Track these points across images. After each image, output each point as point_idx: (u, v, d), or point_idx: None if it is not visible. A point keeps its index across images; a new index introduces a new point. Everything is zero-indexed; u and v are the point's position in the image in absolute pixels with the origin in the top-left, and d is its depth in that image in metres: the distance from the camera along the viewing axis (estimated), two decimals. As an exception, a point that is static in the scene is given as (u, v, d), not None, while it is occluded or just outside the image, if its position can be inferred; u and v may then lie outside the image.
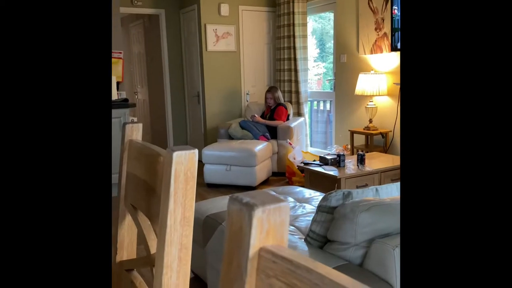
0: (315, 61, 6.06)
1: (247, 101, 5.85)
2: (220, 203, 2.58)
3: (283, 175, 4.89)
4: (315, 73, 6.09)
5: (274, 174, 4.94)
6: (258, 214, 0.37)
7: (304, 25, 5.48)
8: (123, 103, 4.41)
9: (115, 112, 4.35)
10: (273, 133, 4.97)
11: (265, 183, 4.71)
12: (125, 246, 1.07)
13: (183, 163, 0.69)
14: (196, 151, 0.71)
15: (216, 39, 5.57)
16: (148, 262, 0.90)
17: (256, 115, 5.17)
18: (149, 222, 0.90)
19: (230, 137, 5.06)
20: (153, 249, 0.89)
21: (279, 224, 0.38)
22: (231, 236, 0.39)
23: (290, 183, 4.58)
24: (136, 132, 1.06)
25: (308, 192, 2.87)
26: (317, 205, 2.53)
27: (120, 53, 4.80)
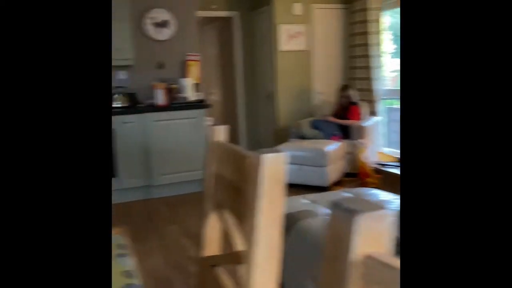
0: (392, 57, 5.85)
1: (319, 100, 5.81)
2: (294, 203, 2.59)
3: (357, 176, 4.79)
4: (391, 70, 5.89)
5: (347, 175, 4.86)
6: (362, 221, 0.37)
7: (379, 21, 5.32)
8: (198, 104, 4.58)
9: (191, 113, 4.53)
10: (345, 133, 4.88)
11: (338, 184, 4.64)
12: (211, 243, 1.11)
13: (272, 166, 0.71)
14: (285, 154, 0.72)
15: (289, 38, 5.59)
16: (233, 259, 0.94)
17: (328, 114, 5.10)
18: (235, 221, 0.93)
19: (302, 137, 5.05)
20: (238, 247, 0.93)
21: (382, 230, 0.38)
22: (332, 242, 0.40)
23: (363, 184, 4.47)
24: (220, 133, 1.10)
25: (383, 195, 2.79)
26: (394, 208, 2.45)
27: (197, 55, 4.99)
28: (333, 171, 4.48)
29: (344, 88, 5.10)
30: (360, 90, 5.53)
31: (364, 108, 5.12)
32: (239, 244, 0.93)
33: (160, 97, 4.52)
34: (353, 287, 0.38)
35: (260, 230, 0.70)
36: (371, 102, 5.41)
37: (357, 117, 4.95)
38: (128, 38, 4.47)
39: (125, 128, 4.28)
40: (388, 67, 5.78)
